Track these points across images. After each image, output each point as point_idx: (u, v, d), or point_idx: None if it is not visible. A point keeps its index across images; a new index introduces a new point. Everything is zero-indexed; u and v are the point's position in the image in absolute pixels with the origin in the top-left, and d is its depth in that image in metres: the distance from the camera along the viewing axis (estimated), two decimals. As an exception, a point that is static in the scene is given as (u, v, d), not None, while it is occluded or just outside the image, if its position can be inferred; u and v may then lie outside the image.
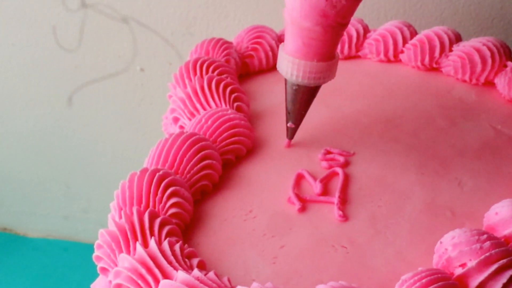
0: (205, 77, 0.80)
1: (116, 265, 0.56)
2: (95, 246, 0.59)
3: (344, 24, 0.66)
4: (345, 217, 0.64)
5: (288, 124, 0.74)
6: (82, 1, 1.28)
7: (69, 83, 1.41)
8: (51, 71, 1.40)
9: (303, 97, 0.72)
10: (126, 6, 1.28)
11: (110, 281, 0.55)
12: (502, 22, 1.12)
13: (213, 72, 0.83)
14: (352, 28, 0.96)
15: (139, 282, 0.53)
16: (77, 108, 1.45)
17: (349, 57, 0.97)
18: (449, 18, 1.14)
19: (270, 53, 0.94)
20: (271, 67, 0.95)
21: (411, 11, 1.14)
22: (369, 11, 1.15)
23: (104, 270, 0.58)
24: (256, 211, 0.65)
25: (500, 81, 0.86)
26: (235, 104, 0.79)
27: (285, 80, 0.72)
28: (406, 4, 1.13)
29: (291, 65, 0.68)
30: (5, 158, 1.60)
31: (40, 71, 1.40)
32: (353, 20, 0.95)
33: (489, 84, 0.89)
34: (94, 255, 0.58)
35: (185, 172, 0.67)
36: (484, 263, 0.52)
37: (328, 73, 0.69)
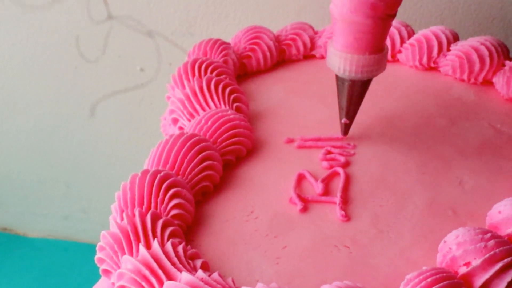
0: (204, 78, 0.79)
1: (118, 267, 0.56)
2: (97, 248, 0.58)
3: (392, 15, 0.67)
4: (347, 217, 0.63)
5: (343, 121, 0.75)
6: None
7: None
8: (52, 73, 1.40)
9: (356, 92, 0.72)
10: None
11: (113, 283, 0.55)
12: (502, 22, 1.11)
13: (211, 73, 0.83)
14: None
15: (143, 283, 0.53)
16: (77, 108, 1.45)
17: (347, 57, 0.96)
18: (449, 18, 1.14)
19: (267, 54, 0.94)
20: (269, 68, 0.95)
21: (411, 11, 1.14)
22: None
23: (107, 272, 0.58)
24: (258, 211, 0.65)
25: (499, 80, 0.86)
26: (235, 105, 0.78)
27: (336, 76, 0.72)
28: (406, 4, 1.13)
29: (343, 61, 0.69)
30: (5, 158, 1.60)
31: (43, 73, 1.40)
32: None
33: (488, 83, 0.89)
34: (96, 257, 0.58)
35: (186, 173, 0.66)
36: (488, 262, 0.52)
37: (379, 65, 0.70)
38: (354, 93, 0.72)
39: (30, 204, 1.67)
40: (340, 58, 0.69)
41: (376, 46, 0.68)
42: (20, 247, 1.68)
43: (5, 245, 1.69)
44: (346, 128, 0.75)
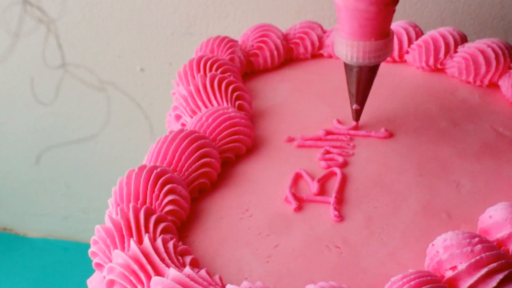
0: (208, 75, 0.81)
1: (110, 261, 0.58)
2: (91, 242, 0.60)
3: (395, 1, 0.70)
4: (340, 217, 0.65)
5: (354, 106, 0.78)
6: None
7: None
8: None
9: (365, 77, 0.75)
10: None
11: (104, 277, 0.57)
12: (502, 22, 1.13)
13: (216, 70, 0.85)
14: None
15: (132, 278, 0.55)
16: (77, 108, 1.48)
17: (354, 57, 0.98)
18: (449, 18, 1.15)
19: (275, 52, 0.96)
20: (276, 66, 0.97)
21: (411, 11, 1.15)
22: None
23: (99, 265, 0.60)
24: (253, 209, 0.67)
25: (504, 83, 0.87)
26: (237, 103, 0.80)
27: (344, 64, 0.75)
28: (406, 4, 1.14)
29: (350, 48, 0.72)
30: (5, 158, 1.62)
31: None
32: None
33: (493, 86, 0.89)
34: (89, 250, 0.60)
35: (183, 170, 0.68)
36: (474, 266, 0.53)
37: (386, 50, 0.73)
38: (362, 78, 0.75)
39: (30, 204, 1.69)
40: (347, 46, 0.72)
41: (381, 31, 0.71)
42: (20, 247, 1.71)
43: (5, 245, 1.71)
44: (357, 114, 0.79)
